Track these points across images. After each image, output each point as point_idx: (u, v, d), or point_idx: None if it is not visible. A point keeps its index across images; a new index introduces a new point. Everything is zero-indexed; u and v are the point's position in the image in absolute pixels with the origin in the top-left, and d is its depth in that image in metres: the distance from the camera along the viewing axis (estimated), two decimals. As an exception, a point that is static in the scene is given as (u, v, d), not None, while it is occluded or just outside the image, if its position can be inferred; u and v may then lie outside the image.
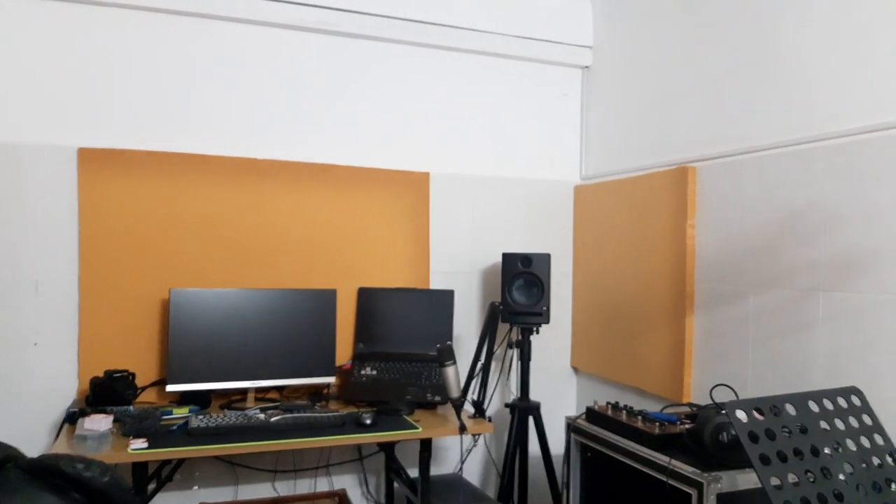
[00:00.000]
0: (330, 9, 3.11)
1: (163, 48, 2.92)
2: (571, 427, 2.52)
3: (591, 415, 2.47)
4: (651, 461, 2.13)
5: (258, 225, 3.03)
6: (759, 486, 1.80)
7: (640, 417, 2.32)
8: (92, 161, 2.80)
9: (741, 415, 1.65)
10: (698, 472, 1.96)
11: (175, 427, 2.42)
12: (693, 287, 2.81)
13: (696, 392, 2.77)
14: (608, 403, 2.50)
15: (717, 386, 2.60)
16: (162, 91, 2.92)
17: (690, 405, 2.68)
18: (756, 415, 1.63)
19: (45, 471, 1.07)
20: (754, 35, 2.56)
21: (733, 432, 1.96)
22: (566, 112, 3.62)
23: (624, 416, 2.35)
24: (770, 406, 1.68)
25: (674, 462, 2.04)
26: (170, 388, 2.67)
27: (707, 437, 2.02)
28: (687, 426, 2.22)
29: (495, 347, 2.92)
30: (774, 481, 1.54)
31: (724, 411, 2.01)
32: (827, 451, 1.62)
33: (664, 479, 2.06)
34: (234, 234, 2.99)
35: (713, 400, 2.30)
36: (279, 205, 3.06)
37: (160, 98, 2.92)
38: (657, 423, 2.25)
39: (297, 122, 3.12)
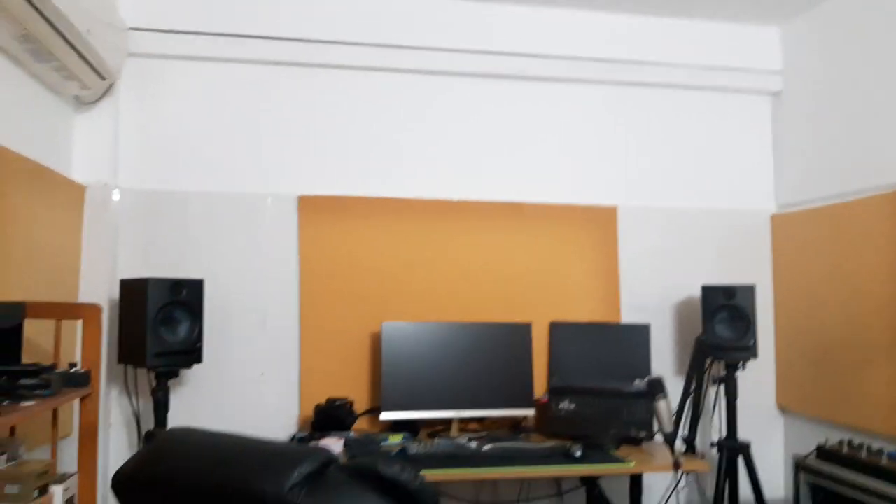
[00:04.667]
0: (506, 55, 3.24)
1: (370, 104, 3.18)
2: (801, 466, 2.37)
3: (823, 453, 2.31)
4: (906, 504, 1.96)
5: (456, 261, 3.16)
6: None
7: (884, 456, 2.14)
8: (310, 207, 3.08)
9: None
10: (972, 516, 1.78)
11: (394, 453, 2.54)
12: (925, 317, 2.58)
13: (937, 433, 2.52)
14: (840, 442, 2.33)
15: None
16: (370, 142, 3.17)
17: (934, 446, 2.44)
18: None
19: (365, 473, 1.19)
20: None
21: None
22: (756, 140, 3.50)
23: (864, 455, 2.18)
24: None
25: (937, 505, 1.86)
26: (384, 416, 2.82)
27: (976, 479, 1.83)
28: (943, 467, 2.03)
29: (703, 388, 2.83)
30: None
31: None
32: None
33: (925, 523, 1.89)
34: (435, 270, 3.14)
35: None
36: (474, 242, 3.18)
37: (368, 148, 3.17)
38: (906, 463, 2.07)
39: (489, 164, 3.26)
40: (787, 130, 3.41)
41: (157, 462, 1.25)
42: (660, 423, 2.46)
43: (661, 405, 2.44)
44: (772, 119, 3.50)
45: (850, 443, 2.29)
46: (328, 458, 1.19)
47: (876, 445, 2.63)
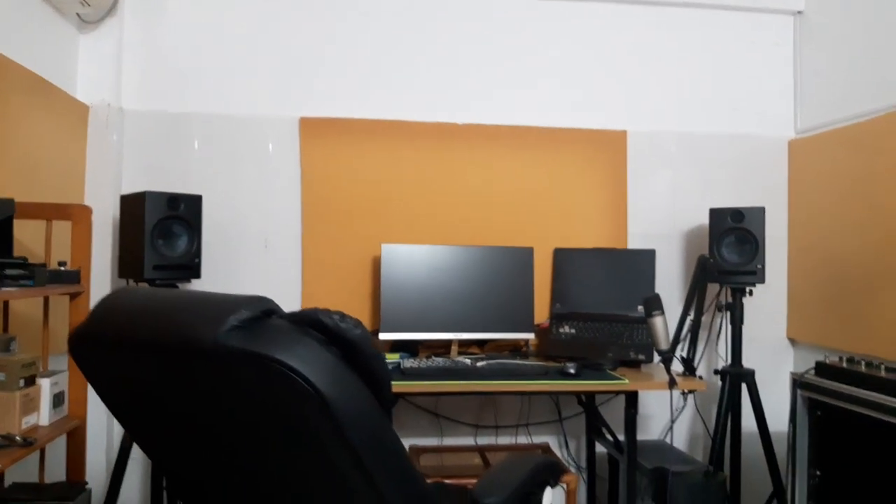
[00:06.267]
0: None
1: (374, 23, 3.12)
2: (798, 383, 2.30)
3: (822, 369, 2.24)
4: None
5: (459, 185, 3.11)
6: None
7: (882, 369, 2.06)
8: (312, 129, 3.05)
9: None
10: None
11: (389, 367, 2.53)
12: (943, 237, 2.45)
13: (950, 356, 2.41)
14: (840, 358, 2.25)
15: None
16: (374, 63, 3.12)
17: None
18: None
19: (306, 321, 1.17)
20: None
21: None
22: (776, 62, 3.34)
23: (863, 368, 2.10)
24: None
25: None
26: (382, 336, 2.81)
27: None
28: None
29: (704, 308, 2.75)
30: None
31: None
32: None
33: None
34: (438, 194, 3.10)
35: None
36: (479, 166, 3.13)
37: (372, 70, 3.11)
38: (907, 375, 1.98)
39: (494, 86, 3.18)
40: (810, 51, 3.25)
41: (106, 320, 1.25)
42: (655, 340, 2.40)
43: (658, 321, 2.38)
44: (793, 40, 3.34)
45: (850, 359, 2.21)
46: (269, 307, 1.18)
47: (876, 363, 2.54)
